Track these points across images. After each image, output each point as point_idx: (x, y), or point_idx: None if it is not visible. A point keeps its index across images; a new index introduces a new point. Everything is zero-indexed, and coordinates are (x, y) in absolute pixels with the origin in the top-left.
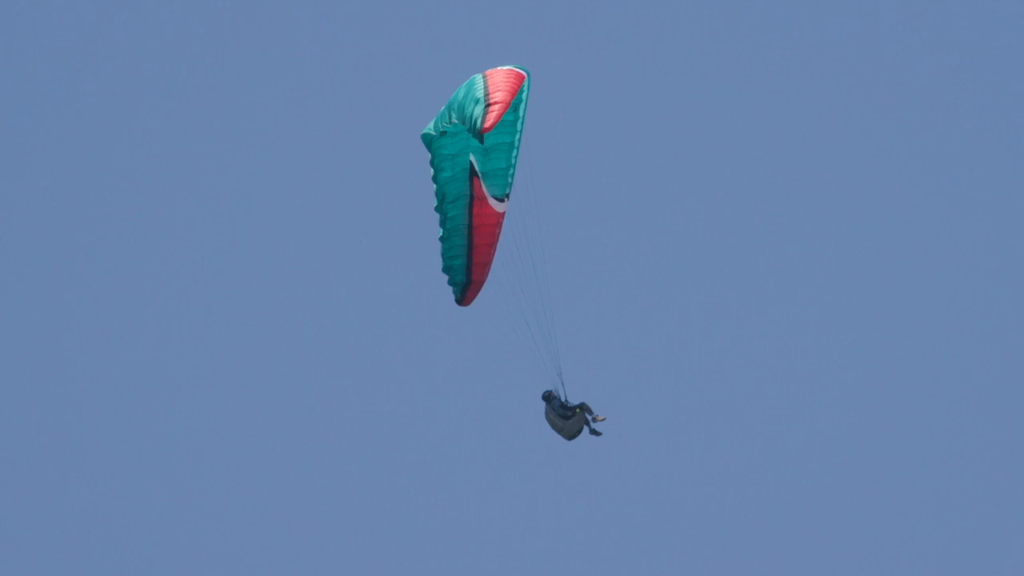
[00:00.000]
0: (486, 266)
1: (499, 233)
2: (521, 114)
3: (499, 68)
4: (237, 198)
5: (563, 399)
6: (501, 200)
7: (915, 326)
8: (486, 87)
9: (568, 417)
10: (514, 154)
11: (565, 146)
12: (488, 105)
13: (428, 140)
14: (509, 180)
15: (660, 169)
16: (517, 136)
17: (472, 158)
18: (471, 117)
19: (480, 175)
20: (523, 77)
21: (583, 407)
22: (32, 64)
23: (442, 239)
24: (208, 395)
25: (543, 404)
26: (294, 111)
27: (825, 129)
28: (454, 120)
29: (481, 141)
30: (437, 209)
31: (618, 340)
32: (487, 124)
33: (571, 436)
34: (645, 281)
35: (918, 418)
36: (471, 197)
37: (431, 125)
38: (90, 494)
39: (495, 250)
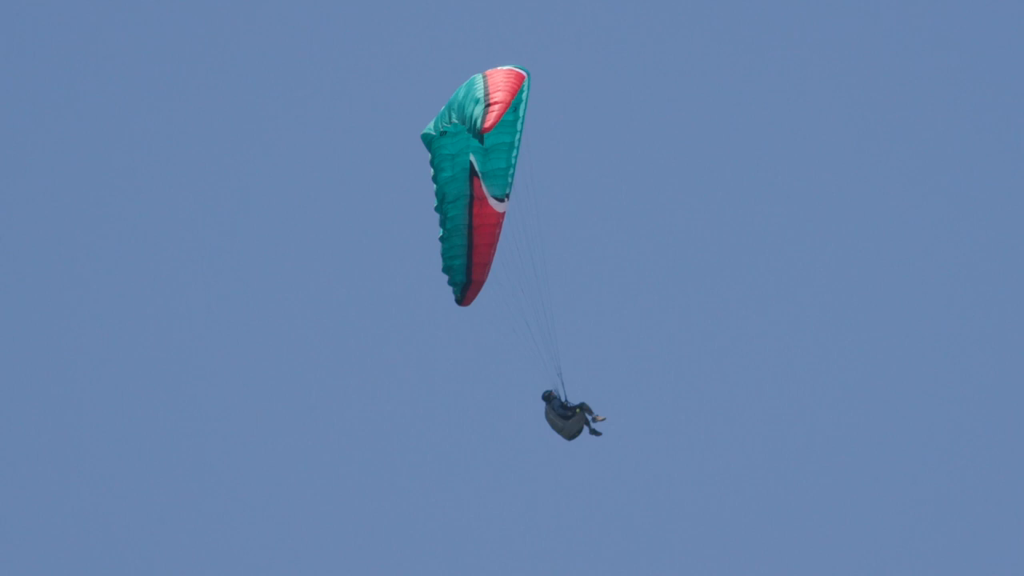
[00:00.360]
0: (486, 266)
1: (499, 233)
2: (521, 114)
3: (499, 68)
4: (237, 198)
5: (563, 399)
6: (501, 200)
7: (915, 326)
8: (486, 87)
9: (568, 417)
10: (514, 154)
11: (565, 146)
12: (488, 105)
13: (428, 140)
14: (509, 180)
15: (660, 169)
16: (517, 136)
17: (472, 158)
18: (471, 117)
19: (480, 175)
20: (523, 77)
21: (583, 407)
22: (32, 64)
23: (442, 239)
24: (208, 395)
25: (543, 404)
26: (294, 111)
27: (825, 129)
28: (454, 120)
29: (481, 141)
30: (437, 209)
31: (618, 340)
32: (487, 124)
33: (571, 436)
34: (645, 281)
35: (918, 418)
36: (471, 197)
37: (431, 125)
38: (90, 494)
39: (495, 250)
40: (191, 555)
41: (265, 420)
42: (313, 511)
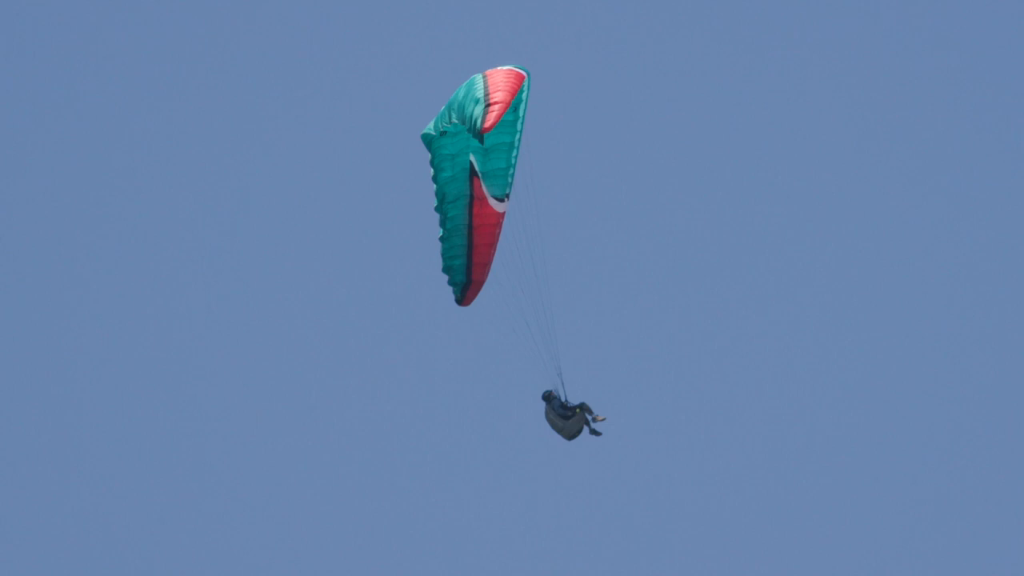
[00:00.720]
0: (486, 266)
1: (499, 233)
2: (521, 114)
3: (499, 68)
4: (237, 198)
5: (563, 399)
6: (501, 200)
7: (915, 326)
8: (486, 87)
9: (568, 417)
10: (514, 154)
11: (565, 146)
12: (488, 105)
13: (428, 140)
14: (509, 180)
15: (660, 169)
16: (517, 136)
17: (472, 158)
18: (471, 117)
19: (480, 175)
20: (523, 77)
21: (583, 407)
22: (32, 64)
23: (442, 239)
24: (208, 395)
25: (543, 404)
26: (294, 111)
27: (825, 129)
28: (454, 120)
29: (481, 141)
30: (437, 209)
31: (618, 340)
32: (487, 124)
33: (571, 436)
34: (645, 281)
35: (918, 418)
36: (471, 197)
37: (431, 125)
38: (90, 494)
39: (495, 250)
40: (191, 555)
41: (265, 420)
42: (313, 511)
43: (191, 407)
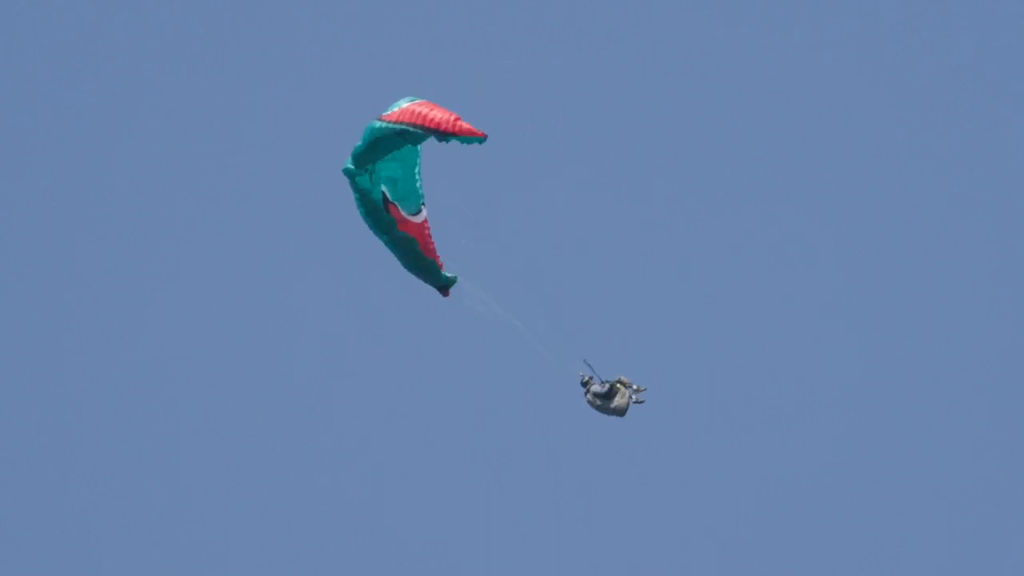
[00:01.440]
0: (436, 259)
1: (430, 233)
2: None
3: (398, 107)
4: (236, 198)
5: (599, 380)
6: (416, 214)
7: (915, 326)
8: (416, 116)
9: (611, 396)
10: (417, 171)
11: (561, 147)
12: (453, 122)
13: (351, 175)
14: (420, 194)
15: (656, 169)
16: (417, 158)
17: (384, 189)
18: (436, 134)
19: (394, 203)
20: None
21: (621, 381)
22: (32, 64)
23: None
24: (207, 395)
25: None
26: (294, 111)
27: (825, 129)
28: (372, 163)
29: (484, 138)
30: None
31: (616, 341)
32: (462, 130)
33: (622, 412)
34: (644, 282)
35: (918, 418)
36: (393, 222)
37: (350, 161)
38: (90, 494)
39: (434, 244)
40: (190, 555)
41: (265, 420)
42: (313, 511)
43: (190, 407)
